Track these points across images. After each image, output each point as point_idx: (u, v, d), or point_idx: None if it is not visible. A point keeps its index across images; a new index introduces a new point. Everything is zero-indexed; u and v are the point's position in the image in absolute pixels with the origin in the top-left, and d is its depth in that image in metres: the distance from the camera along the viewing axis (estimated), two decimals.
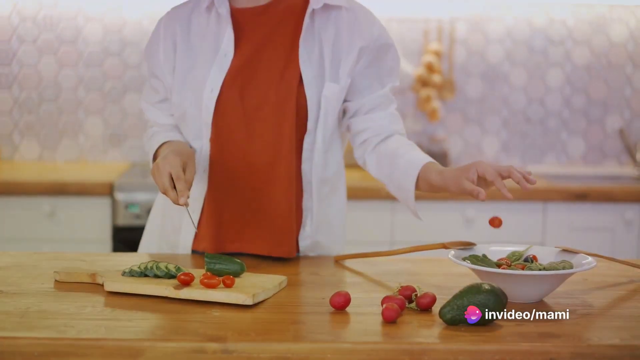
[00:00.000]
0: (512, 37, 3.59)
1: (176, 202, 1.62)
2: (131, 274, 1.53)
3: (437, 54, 3.54)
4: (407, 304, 1.42)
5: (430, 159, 1.75)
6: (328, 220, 1.86)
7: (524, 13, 3.58)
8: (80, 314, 1.36)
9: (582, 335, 1.29)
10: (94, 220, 3.01)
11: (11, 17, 3.46)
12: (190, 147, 1.81)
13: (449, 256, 1.54)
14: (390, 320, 1.33)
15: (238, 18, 1.80)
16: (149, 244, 1.95)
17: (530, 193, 3.09)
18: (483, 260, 1.54)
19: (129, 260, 1.74)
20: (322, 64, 1.78)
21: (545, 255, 1.57)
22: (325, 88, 1.78)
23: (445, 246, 1.62)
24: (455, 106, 3.61)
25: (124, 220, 2.98)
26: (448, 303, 1.33)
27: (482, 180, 1.65)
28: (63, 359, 1.23)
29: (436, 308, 1.40)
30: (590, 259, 1.51)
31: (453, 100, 3.61)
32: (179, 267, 1.53)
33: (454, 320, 1.32)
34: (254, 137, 1.78)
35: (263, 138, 1.78)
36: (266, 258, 1.81)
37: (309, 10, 1.77)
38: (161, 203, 1.93)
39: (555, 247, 1.59)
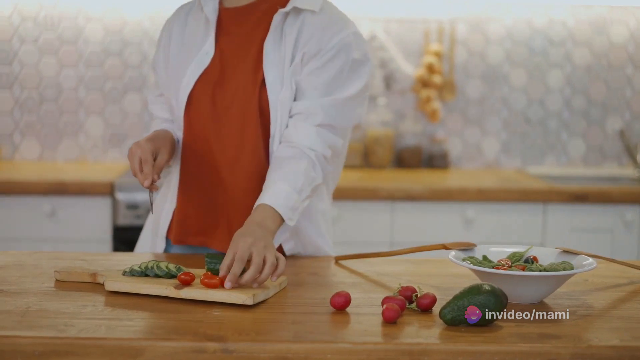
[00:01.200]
0: (513, 38, 3.59)
1: (142, 185, 1.68)
2: (132, 273, 1.53)
3: (438, 54, 3.54)
4: (407, 304, 1.42)
5: (262, 202, 1.64)
6: (307, 211, 1.82)
7: (524, 14, 3.58)
8: (81, 313, 1.36)
9: (582, 336, 1.29)
10: (94, 220, 3.01)
11: (12, 17, 3.46)
12: (173, 137, 1.85)
13: (449, 257, 1.54)
14: (390, 320, 1.33)
15: (223, 17, 1.83)
16: (145, 238, 1.98)
17: (530, 194, 3.10)
18: (483, 261, 1.54)
19: (129, 259, 1.74)
20: (283, 69, 1.77)
21: (546, 256, 1.57)
22: (281, 92, 1.75)
23: (445, 247, 1.62)
24: (455, 107, 3.61)
25: (124, 220, 2.98)
26: (448, 304, 1.33)
27: None
28: (63, 358, 1.23)
29: (436, 309, 1.40)
30: (590, 260, 1.51)
31: (453, 101, 3.61)
32: (179, 267, 1.53)
33: (454, 320, 1.32)
34: (222, 136, 1.81)
35: (229, 137, 1.80)
36: None
37: (277, 12, 1.77)
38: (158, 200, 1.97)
39: (556, 248, 1.59)
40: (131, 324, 1.31)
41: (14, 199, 3.00)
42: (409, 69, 3.56)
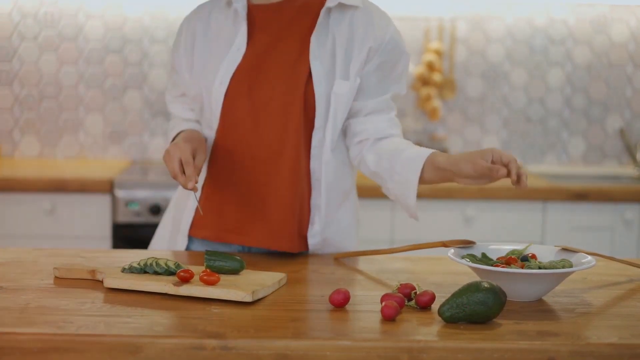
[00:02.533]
0: (513, 37, 3.59)
1: (185, 187, 1.68)
2: (131, 270, 1.53)
3: (438, 52, 3.54)
4: (406, 301, 1.42)
5: (433, 150, 1.72)
6: (338, 219, 1.86)
7: (524, 12, 3.57)
8: (80, 310, 1.36)
9: (581, 334, 1.29)
10: (94, 218, 3.01)
11: (12, 14, 3.46)
12: (203, 135, 1.86)
13: (449, 254, 1.54)
14: (389, 318, 1.33)
15: (254, 14, 1.83)
16: (162, 235, 1.97)
17: (530, 192, 3.10)
18: (482, 258, 1.54)
19: (128, 256, 1.74)
20: (334, 61, 1.79)
21: (545, 254, 1.57)
22: (336, 85, 1.78)
23: (444, 244, 1.62)
24: (455, 105, 3.61)
25: (123, 218, 2.98)
26: (447, 301, 1.33)
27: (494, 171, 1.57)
28: (62, 355, 1.23)
29: (435, 306, 1.40)
30: (589, 257, 1.51)
31: (453, 99, 3.61)
32: (178, 264, 1.53)
33: (453, 318, 1.32)
34: (260, 131, 1.80)
35: (269, 132, 1.80)
36: (270, 253, 1.82)
37: (324, 8, 1.79)
38: (176, 198, 1.97)
39: (555, 246, 1.59)
40: (130, 321, 1.31)
41: (13, 196, 3.00)
42: (409, 67, 3.55)
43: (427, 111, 3.56)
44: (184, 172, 1.69)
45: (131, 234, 2.99)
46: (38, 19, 3.46)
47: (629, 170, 3.55)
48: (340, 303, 1.40)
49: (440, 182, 1.71)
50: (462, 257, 1.52)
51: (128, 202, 2.98)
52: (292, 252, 1.82)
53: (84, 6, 3.47)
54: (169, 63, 3.45)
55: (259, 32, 1.82)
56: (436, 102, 3.54)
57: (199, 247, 1.89)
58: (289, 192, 1.79)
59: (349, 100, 1.79)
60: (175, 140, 1.76)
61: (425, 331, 1.30)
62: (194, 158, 1.72)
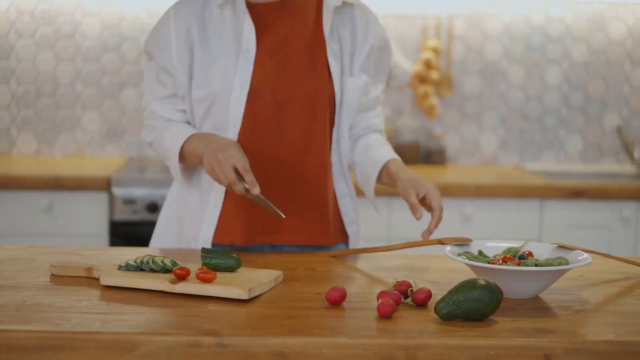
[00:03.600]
0: (511, 34, 3.59)
1: (242, 194, 1.69)
2: (127, 268, 1.53)
3: (435, 50, 3.54)
4: (402, 299, 1.42)
5: (395, 157, 1.85)
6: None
7: (522, 10, 3.57)
8: (76, 308, 1.36)
9: (577, 331, 1.29)
10: (91, 215, 3.01)
11: (9, 11, 3.45)
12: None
13: (445, 252, 1.54)
14: (385, 315, 1.33)
15: (255, 13, 1.83)
16: (162, 240, 1.94)
17: (527, 190, 3.10)
18: (478, 256, 1.54)
19: (125, 254, 1.74)
20: (342, 59, 1.85)
21: (542, 251, 1.57)
22: (349, 82, 1.85)
23: (441, 242, 1.62)
24: (453, 103, 3.61)
25: (121, 215, 2.98)
26: (443, 298, 1.33)
27: (423, 202, 1.74)
28: (58, 352, 1.23)
29: (432, 303, 1.40)
30: (586, 255, 1.51)
31: (451, 97, 3.60)
32: (174, 262, 1.53)
33: (450, 315, 1.32)
34: (285, 129, 1.82)
35: (294, 130, 1.82)
36: (275, 250, 1.84)
37: (329, 7, 1.82)
38: (176, 198, 1.93)
39: (552, 244, 1.59)
40: (126, 319, 1.31)
41: (10, 193, 3.00)
42: (407, 65, 3.56)
43: (425, 109, 3.56)
44: (238, 180, 1.69)
45: (128, 232, 2.99)
46: (35, 16, 3.46)
47: (627, 168, 3.56)
48: (336, 300, 1.40)
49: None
50: (459, 255, 1.52)
51: (125, 200, 2.98)
52: (329, 246, 1.88)
53: (81, 3, 3.46)
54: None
55: (265, 31, 1.82)
56: (434, 100, 3.54)
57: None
58: (319, 188, 1.85)
59: (359, 96, 1.87)
60: (214, 147, 1.70)
61: (422, 328, 1.30)
62: None
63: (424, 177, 1.78)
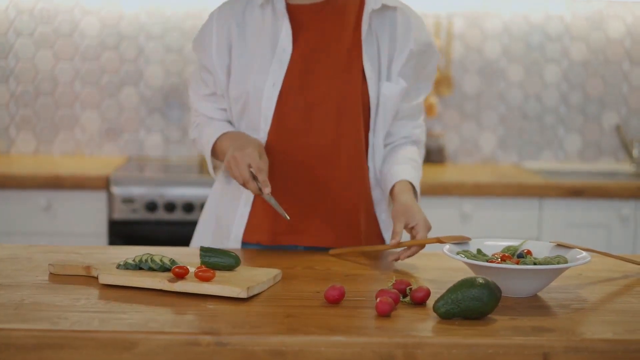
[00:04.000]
0: (510, 33, 3.59)
1: (257, 193, 1.71)
2: (126, 266, 1.53)
3: None
4: (401, 297, 1.42)
5: (406, 178, 1.81)
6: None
7: (521, 9, 3.57)
8: (74, 306, 1.36)
9: (575, 330, 1.29)
10: (90, 214, 3.01)
11: (8, 10, 3.45)
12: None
13: (444, 250, 1.54)
14: (384, 313, 1.33)
15: (294, 14, 1.83)
16: (202, 236, 1.97)
17: (526, 189, 3.10)
18: (477, 254, 1.54)
19: (124, 253, 1.74)
20: (379, 63, 1.83)
21: (540, 250, 1.57)
22: (385, 87, 1.82)
23: (440, 240, 1.62)
24: (452, 102, 3.61)
25: (120, 214, 2.98)
26: (442, 297, 1.33)
27: (410, 231, 1.74)
28: (57, 351, 1.23)
29: (430, 302, 1.40)
30: (584, 253, 1.51)
31: (450, 96, 3.60)
32: (173, 260, 1.53)
33: (448, 314, 1.32)
34: (314, 131, 1.82)
35: (324, 132, 1.82)
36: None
37: (367, 10, 1.81)
38: (216, 196, 1.96)
39: (550, 242, 1.59)
40: (125, 317, 1.31)
41: (9, 192, 3.00)
42: None
43: (424, 108, 3.56)
44: (253, 179, 1.70)
45: (127, 231, 2.98)
46: (34, 15, 3.45)
47: (625, 166, 3.56)
48: (335, 299, 1.40)
49: None
50: (458, 253, 1.52)
51: (124, 199, 2.97)
52: None
53: (80, 2, 3.46)
54: (164, 59, 3.47)
55: (303, 32, 1.82)
56: (433, 99, 3.54)
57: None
58: (349, 192, 1.83)
59: (395, 102, 1.84)
60: (236, 145, 1.74)
61: (420, 327, 1.30)
62: None
63: (417, 209, 1.75)
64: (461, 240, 1.59)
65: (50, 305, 1.36)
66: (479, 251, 1.56)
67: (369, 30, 1.83)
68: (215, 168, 1.93)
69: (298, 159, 1.82)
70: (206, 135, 1.89)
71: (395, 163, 1.85)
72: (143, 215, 2.97)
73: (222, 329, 1.26)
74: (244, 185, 1.71)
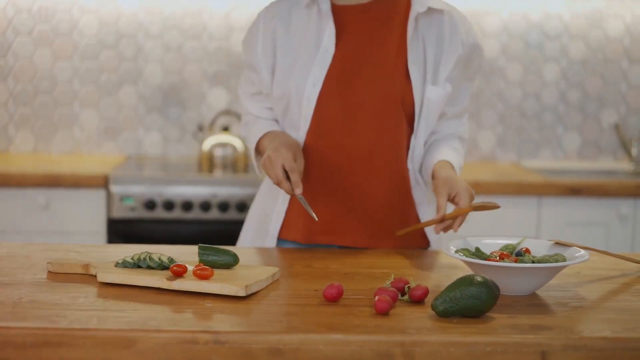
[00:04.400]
0: (508, 32, 3.59)
1: (290, 193, 1.71)
2: (124, 265, 1.53)
3: None
4: (399, 296, 1.42)
5: (446, 158, 1.82)
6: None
7: (520, 7, 3.57)
8: (73, 305, 1.36)
9: (574, 328, 1.30)
10: (88, 213, 3.01)
11: (6, 9, 3.45)
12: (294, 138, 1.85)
13: (443, 249, 1.54)
14: (382, 311, 1.33)
15: (339, 15, 1.83)
16: (246, 234, 1.99)
17: (525, 188, 3.10)
18: (475, 253, 1.55)
19: (122, 251, 1.74)
20: (425, 67, 1.82)
21: (539, 248, 1.58)
22: (428, 91, 1.81)
23: (473, 208, 1.69)
24: None
25: (118, 213, 2.98)
26: (440, 295, 1.33)
27: (452, 201, 1.73)
28: (55, 349, 1.23)
29: (429, 300, 1.40)
30: (583, 252, 1.51)
31: None
32: (171, 259, 1.53)
33: (446, 312, 1.32)
34: (353, 132, 1.81)
35: (363, 133, 1.81)
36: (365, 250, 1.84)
37: (414, 13, 1.80)
38: (262, 194, 1.97)
39: (549, 241, 1.59)
40: (123, 315, 1.31)
41: (8, 191, 3.00)
42: None
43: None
44: (287, 179, 1.70)
45: (126, 229, 2.98)
46: (32, 13, 3.45)
47: (624, 165, 3.56)
48: (333, 297, 1.40)
49: None
50: (456, 252, 1.52)
51: (123, 198, 2.97)
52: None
53: (78, 1, 3.45)
54: (163, 58, 3.47)
55: (347, 33, 1.82)
56: None
57: (288, 247, 1.89)
58: (387, 193, 1.83)
59: (439, 106, 1.83)
60: (273, 145, 1.75)
61: (419, 325, 1.30)
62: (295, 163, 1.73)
63: (457, 179, 1.74)
64: (491, 208, 1.69)
65: (48, 303, 1.36)
66: (477, 249, 1.56)
67: (414, 33, 1.82)
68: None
69: (336, 159, 1.82)
70: (251, 135, 1.92)
71: (436, 152, 1.85)
72: (141, 213, 2.97)
73: (220, 327, 1.26)
74: (278, 184, 1.72)
